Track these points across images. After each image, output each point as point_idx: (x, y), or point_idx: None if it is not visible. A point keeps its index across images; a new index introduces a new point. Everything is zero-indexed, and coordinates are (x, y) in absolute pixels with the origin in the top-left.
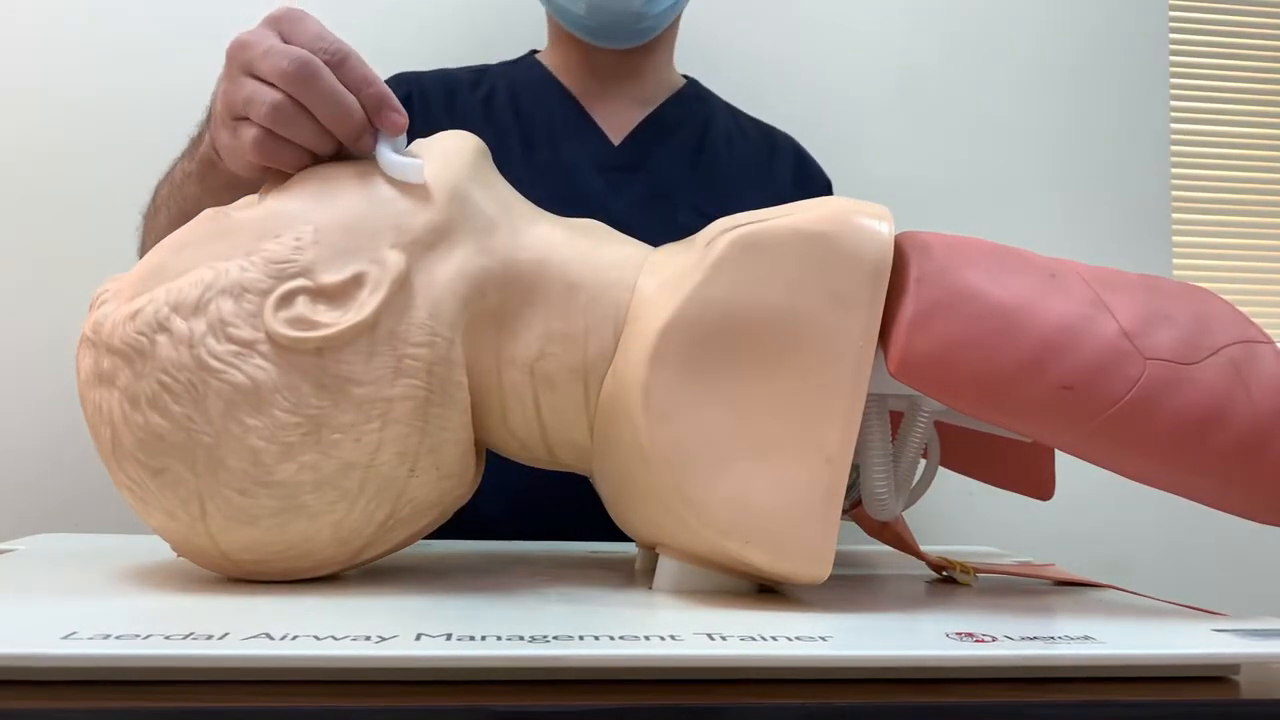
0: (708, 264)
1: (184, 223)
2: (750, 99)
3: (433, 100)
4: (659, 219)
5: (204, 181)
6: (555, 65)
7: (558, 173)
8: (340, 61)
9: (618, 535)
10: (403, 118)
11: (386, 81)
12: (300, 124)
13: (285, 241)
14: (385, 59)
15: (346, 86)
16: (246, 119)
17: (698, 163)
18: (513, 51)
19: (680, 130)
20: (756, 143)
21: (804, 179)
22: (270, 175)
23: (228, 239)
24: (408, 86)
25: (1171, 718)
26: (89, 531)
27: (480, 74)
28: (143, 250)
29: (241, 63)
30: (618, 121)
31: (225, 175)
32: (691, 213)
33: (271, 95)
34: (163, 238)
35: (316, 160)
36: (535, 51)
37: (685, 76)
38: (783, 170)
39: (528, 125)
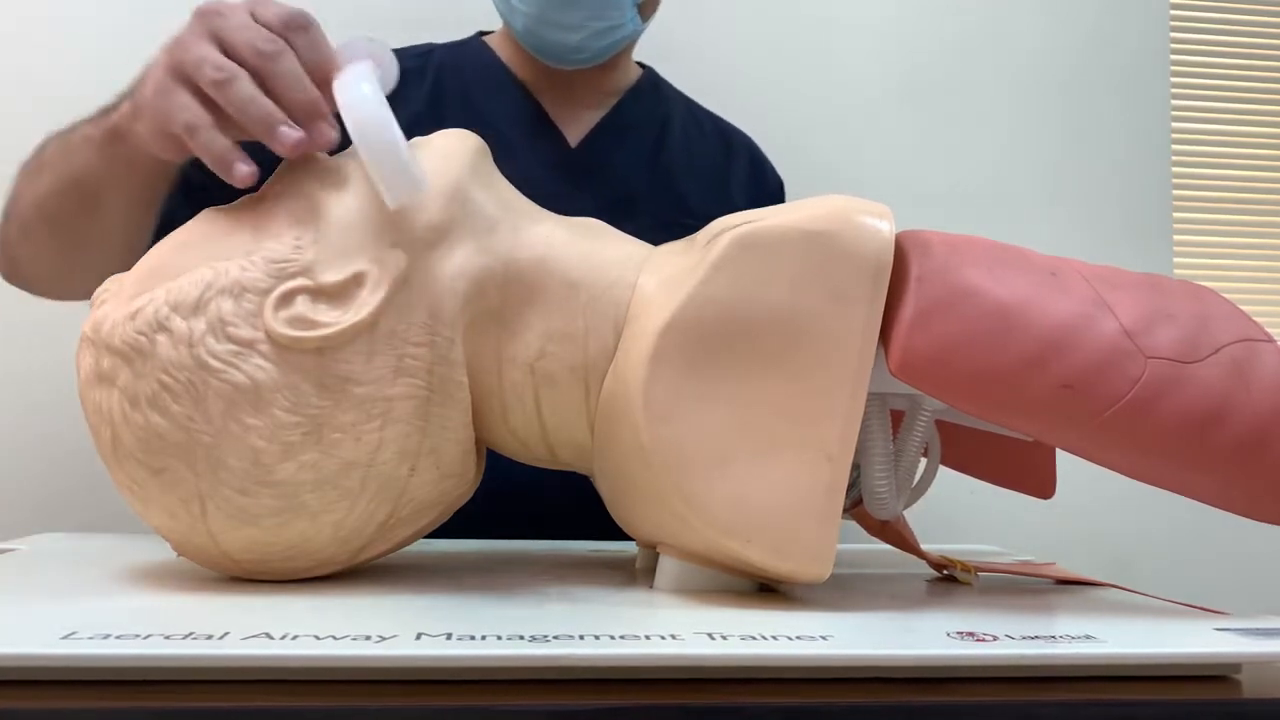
0: (708, 263)
1: (68, 189)
2: (751, 100)
3: None
4: (618, 224)
5: (104, 150)
6: (509, 56)
7: (514, 175)
8: (303, 48)
9: (618, 534)
10: (334, 132)
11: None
12: (246, 102)
13: (285, 241)
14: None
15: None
16: (187, 86)
17: (656, 164)
18: (458, 23)
19: (639, 129)
20: (714, 142)
21: (757, 181)
22: (171, 158)
23: (228, 238)
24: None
25: (1173, 717)
26: (89, 531)
27: (424, 59)
28: (7, 209)
29: (211, 27)
30: (576, 121)
31: (130, 150)
32: (649, 219)
33: (232, 66)
34: (41, 202)
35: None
36: (484, 33)
37: (641, 65)
38: (739, 172)
39: (481, 123)
